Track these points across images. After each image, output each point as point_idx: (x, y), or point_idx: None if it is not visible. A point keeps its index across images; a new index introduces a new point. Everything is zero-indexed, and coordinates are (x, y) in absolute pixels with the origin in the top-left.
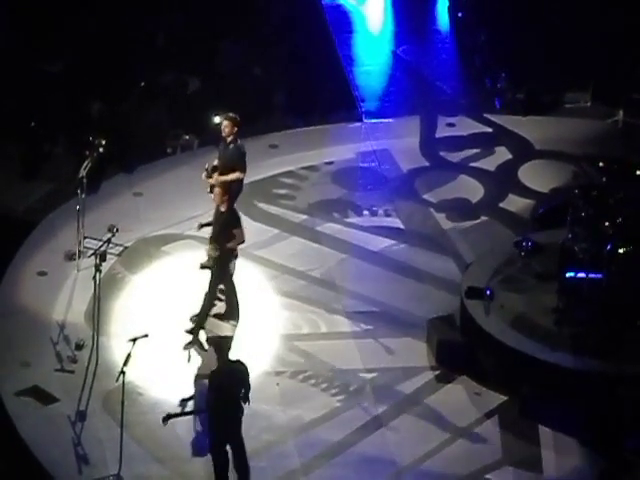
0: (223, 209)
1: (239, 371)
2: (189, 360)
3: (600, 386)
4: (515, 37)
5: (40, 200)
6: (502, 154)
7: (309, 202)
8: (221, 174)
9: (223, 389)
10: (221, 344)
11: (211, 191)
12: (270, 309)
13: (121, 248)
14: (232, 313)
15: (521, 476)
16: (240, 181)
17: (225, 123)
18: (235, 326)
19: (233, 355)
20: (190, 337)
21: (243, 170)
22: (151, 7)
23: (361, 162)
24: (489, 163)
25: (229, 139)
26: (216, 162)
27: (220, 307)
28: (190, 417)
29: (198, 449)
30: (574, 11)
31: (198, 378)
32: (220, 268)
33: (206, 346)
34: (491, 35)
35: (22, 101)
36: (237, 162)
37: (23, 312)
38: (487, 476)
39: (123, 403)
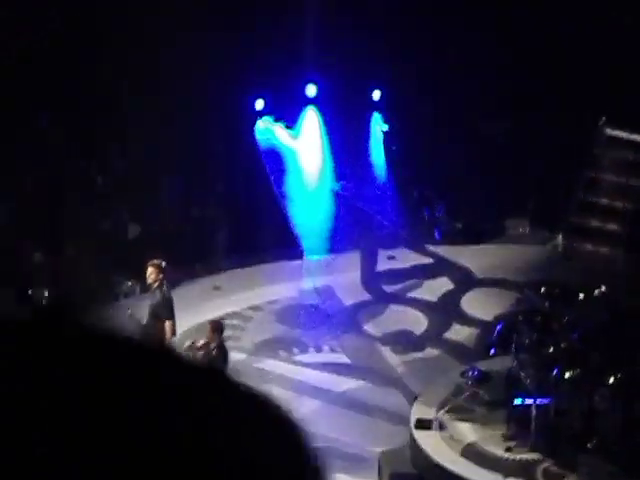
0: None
1: None
2: None
3: None
4: (450, 167)
5: None
6: (444, 284)
7: (254, 342)
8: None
9: None
10: None
11: None
12: None
13: None
14: None
15: None
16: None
17: (150, 270)
18: None
19: None
20: None
21: (171, 317)
22: (88, 151)
23: (304, 299)
24: (431, 294)
25: (155, 285)
26: None
27: None
28: None
29: None
30: (510, 137)
31: None
32: None
33: None
34: (426, 166)
35: None
36: (164, 311)
37: None
38: None
39: None
